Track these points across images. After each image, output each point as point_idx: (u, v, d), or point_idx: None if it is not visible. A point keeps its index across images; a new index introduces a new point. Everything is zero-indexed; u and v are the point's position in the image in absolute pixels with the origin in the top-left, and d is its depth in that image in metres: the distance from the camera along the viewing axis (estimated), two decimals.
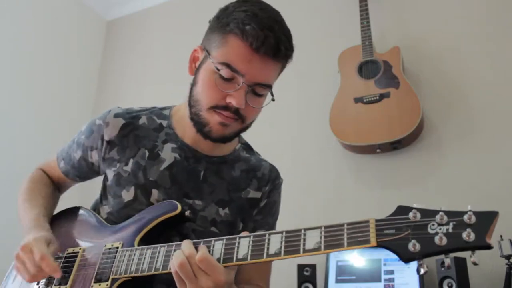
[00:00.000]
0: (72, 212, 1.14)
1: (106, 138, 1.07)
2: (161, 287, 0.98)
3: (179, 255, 0.80)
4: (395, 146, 1.95)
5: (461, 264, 1.57)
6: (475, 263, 0.62)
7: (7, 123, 2.51)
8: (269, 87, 0.99)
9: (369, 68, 2.07)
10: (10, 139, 2.51)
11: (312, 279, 1.83)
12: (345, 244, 0.69)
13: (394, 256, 0.65)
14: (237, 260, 0.78)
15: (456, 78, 2.05)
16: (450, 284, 1.53)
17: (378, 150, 1.96)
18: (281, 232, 0.76)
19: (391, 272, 1.68)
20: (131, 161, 1.04)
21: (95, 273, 0.93)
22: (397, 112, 1.92)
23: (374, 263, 1.73)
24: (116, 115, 1.08)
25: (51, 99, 2.81)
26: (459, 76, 2.05)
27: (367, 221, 0.69)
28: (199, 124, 0.99)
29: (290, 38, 1.00)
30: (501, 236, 1.52)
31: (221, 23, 0.95)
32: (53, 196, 1.20)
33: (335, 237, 0.70)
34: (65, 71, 2.95)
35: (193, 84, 1.00)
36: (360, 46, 2.11)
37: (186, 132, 1.07)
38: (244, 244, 0.79)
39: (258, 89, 0.97)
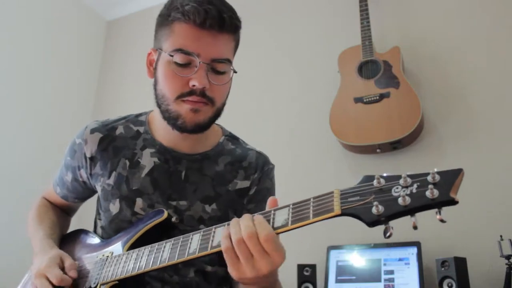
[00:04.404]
0: (71, 235, 1.16)
1: (88, 155, 1.07)
2: (156, 285, 0.99)
3: (236, 232, 0.72)
4: (395, 146, 1.95)
5: (461, 264, 1.57)
6: (442, 221, 0.59)
7: (7, 123, 2.51)
8: (227, 61, 0.98)
9: (369, 68, 2.07)
10: (10, 139, 2.51)
11: (312, 279, 1.83)
12: (311, 216, 0.68)
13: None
14: (212, 248, 0.76)
15: (456, 78, 2.05)
16: (450, 284, 1.53)
17: (378, 150, 1.96)
18: (252, 216, 0.76)
19: (391, 272, 1.67)
20: (113, 174, 1.05)
21: (86, 282, 0.95)
22: (397, 112, 1.92)
23: (374, 263, 1.73)
24: (92, 131, 1.08)
25: (51, 99, 2.81)
26: (459, 76, 2.05)
27: (332, 192, 0.69)
28: (172, 119, 0.98)
29: (233, 9, 0.98)
30: (501, 236, 1.52)
31: (164, 17, 0.97)
32: (60, 218, 1.21)
33: (301, 212, 0.70)
34: (65, 71, 2.95)
35: (155, 84, 1.01)
36: (360, 46, 2.11)
37: (164, 134, 1.06)
38: (218, 233, 0.78)
39: (217, 66, 0.96)
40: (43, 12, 2.86)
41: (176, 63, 0.94)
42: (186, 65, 0.94)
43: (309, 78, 2.39)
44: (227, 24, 0.94)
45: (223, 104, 1.02)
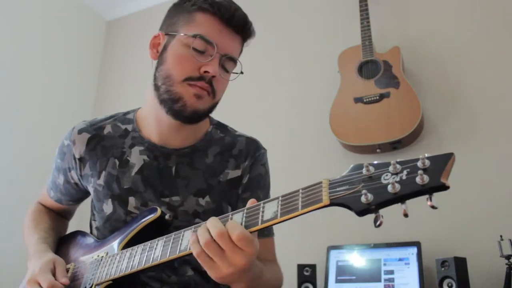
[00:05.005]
0: (69, 237, 1.16)
1: (76, 156, 1.07)
2: (154, 285, 0.99)
3: (204, 234, 0.73)
4: (395, 146, 1.95)
5: (461, 264, 1.57)
6: (433, 207, 0.57)
7: (7, 123, 2.50)
8: (235, 62, 1.03)
9: (369, 68, 2.07)
10: (10, 139, 2.51)
11: (312, 279, 1.82)
12: (300, 207, 0.67)
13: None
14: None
15: (456, 78, 2.05)
16: (450, 284, 1.53)
17: (378, 150, 1.96)
18: (242, 210, 0.75)
19: (391, 272, 1.67)
20: (103, 174, 1.05)
21: (81, 283, 0.95)
22: (397, 112, 1.92)
23: (374, 263, 1.73)
24: (80, 131, 1.08)
25: (51, 99, 2.81)
26: (459, 76, 2.05)
27: (320, 182, 0.68)
28: (171, 101, 0.97)
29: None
30: (501, 236, 1.52)
31: (184, 6, 1.00)
32: (55, 221, 1.20)
33: (290, 203, 0.69)
34: (65, 71, 2.95)
35: (158, 65, 1.00)
36: (360, 46, 2.11)
37: (152, 130, 1.06)
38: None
39: (227, 63, 1.01)
40: (43, 12, 2.86)
41: (193, 48, 0.96)
42: (201, 52, 0.96)
43: (309, 78, 2.38)
44: (247, 29, 1.01)
45: (218, 101, 1.04)
